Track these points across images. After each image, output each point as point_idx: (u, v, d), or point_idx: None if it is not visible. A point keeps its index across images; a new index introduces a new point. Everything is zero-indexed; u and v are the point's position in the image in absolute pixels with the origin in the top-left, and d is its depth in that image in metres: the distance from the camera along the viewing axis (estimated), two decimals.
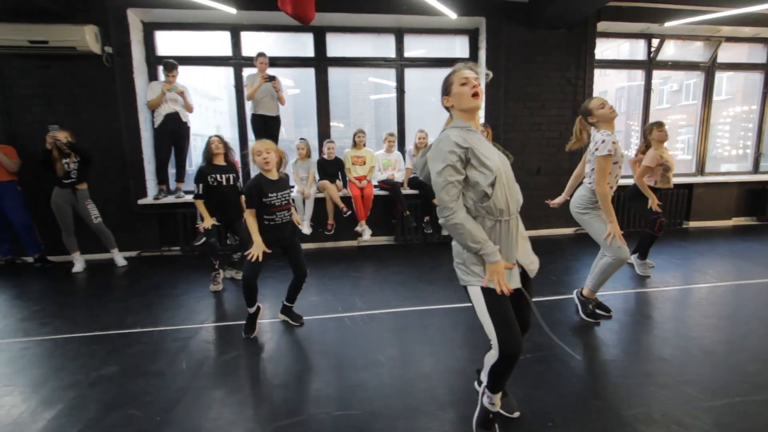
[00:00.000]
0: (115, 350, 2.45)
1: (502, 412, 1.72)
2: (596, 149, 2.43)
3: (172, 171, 4.75)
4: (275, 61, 4.66)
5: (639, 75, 5.60)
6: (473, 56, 5.11)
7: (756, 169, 6.08)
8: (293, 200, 4.61)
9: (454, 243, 1.55)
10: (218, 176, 3.36)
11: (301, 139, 4.76)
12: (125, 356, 2.37)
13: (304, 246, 4.89)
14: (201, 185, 3.31)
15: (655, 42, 5.35)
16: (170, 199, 4.59)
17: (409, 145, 5.02)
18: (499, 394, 1.59)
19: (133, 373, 2.18)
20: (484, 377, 1.61)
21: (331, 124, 5.17)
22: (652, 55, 5.40)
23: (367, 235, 4.74)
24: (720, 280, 3.46)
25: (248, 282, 2.48)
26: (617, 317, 2.76)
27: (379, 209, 4.89)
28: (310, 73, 4.98)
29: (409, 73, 5.15)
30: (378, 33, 4.95)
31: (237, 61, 4.79)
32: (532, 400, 1.87)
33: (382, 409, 1.81)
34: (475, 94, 1.44)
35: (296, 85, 5.20)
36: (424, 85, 5.31)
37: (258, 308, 2.62)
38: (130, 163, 4.49)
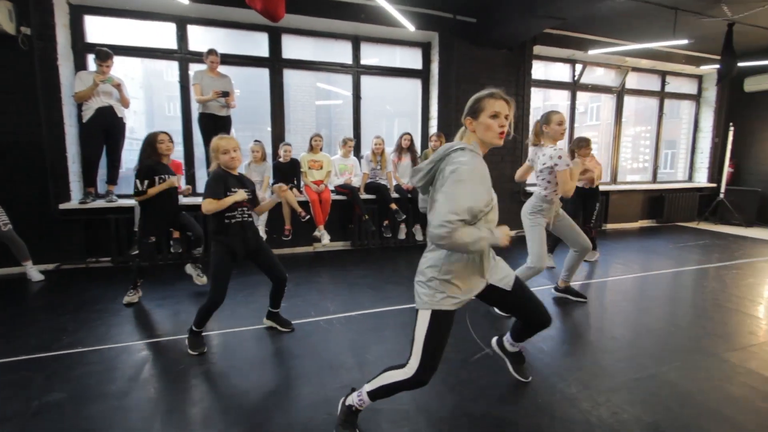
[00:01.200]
0: (55, 374, 2.09)
1: (518, 377, 2.02)
2: (555, 165, 2.61)
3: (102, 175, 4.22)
4: (226, 59, 4.42)
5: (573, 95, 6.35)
6: (426, 68, 5.36)
7: (654, 179, 7.19)
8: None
9: (425, 260, 1.52)
10: (166, 177, 3.06)
11: (256, 141, 4.56)
12: (71, 379, 2.04)
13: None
14: (146, 182, 2.96)
15: (578, 67, 6.12)
16: (100, 203, 4.06)
17: (366, 151, 5.07)
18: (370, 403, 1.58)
19: (88, 397, 1.88)
20: (363, 391, 1.57)
21: (269, 129, 5.00)
22: (576, 78, 6.15)
23: (326, 240, 4.65)
24: (642, 271, 4.02)
25: (214, 307, 2.26)
26: (568, 305, 3.06)
27: (335, 214, 4.83)
28: (254, 73, 4.80)
29: (363, 81, 5.23)
30: (335, 39, 4.97)
31: (182, 56, 4.45)
32: (521, 385, 2.01)
33: (383, 405, 1.80)
34: (501, 134, 1.43)
35: (237, 85, 4.93)
36: (374, 93, 5.39)
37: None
38: (51, 162, 3.89)
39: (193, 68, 4.44)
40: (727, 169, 6.86)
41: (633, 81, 6.84)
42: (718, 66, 5.57)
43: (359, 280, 3.73)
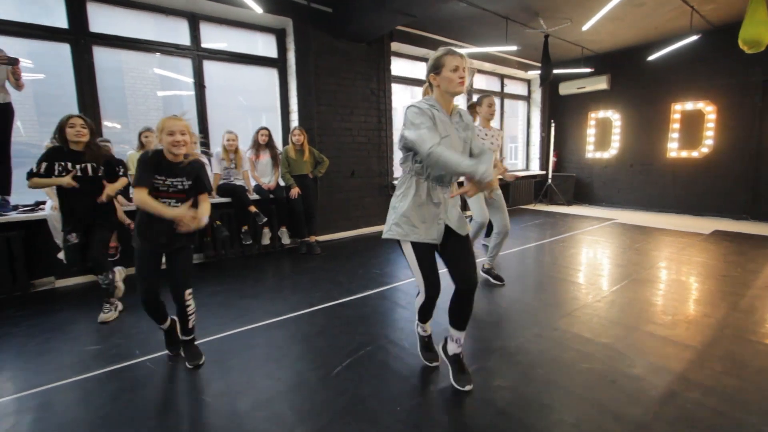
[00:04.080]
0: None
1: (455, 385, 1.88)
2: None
3: None
4: (2, 27, 3.27)
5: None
6: (281, 57, 4.94)
7: None
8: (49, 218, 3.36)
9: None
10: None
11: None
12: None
13: (72, 282, 3.71)
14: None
15: None
16: None
17: (217, 148, 4.42)
18: (428, 323, 2.08)
19: None
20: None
21: (105, 123, 4.03)
22: None
23: None
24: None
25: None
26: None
27: None
28: (59, 50, 3.73)
29: (209, 68, 4.54)
30: (165, 14, 4.16)
31: None
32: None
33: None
34: (461, 82, 1.66)
35: (38, 66, 3.80)
36: (226, 83, 4.76)
37: (171, 321, 2.28)
38: None
39: None
40: (552, 158, 8.22)
41: (481, 82, 7.64)
42: (539, 72, 6.54)
43: (210, 298, 3.17)
